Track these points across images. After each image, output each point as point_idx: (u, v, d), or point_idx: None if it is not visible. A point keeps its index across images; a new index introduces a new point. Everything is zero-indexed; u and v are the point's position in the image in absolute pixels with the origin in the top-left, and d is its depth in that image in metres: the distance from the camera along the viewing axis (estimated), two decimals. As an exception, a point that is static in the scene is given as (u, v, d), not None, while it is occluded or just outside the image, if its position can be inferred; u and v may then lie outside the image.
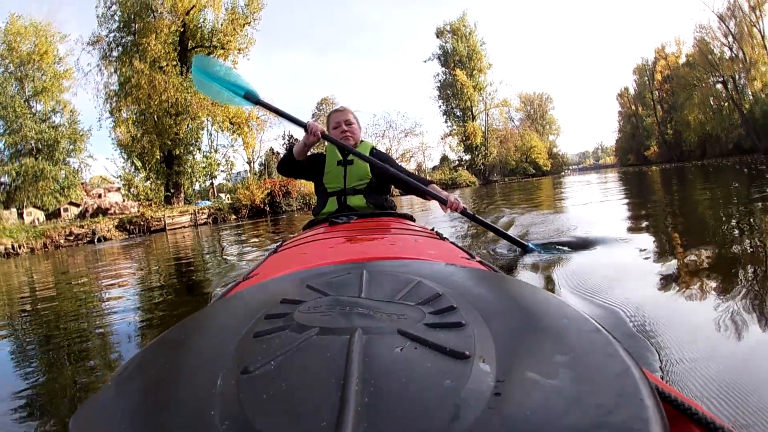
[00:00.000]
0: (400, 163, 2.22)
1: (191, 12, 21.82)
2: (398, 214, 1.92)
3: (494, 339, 0.37)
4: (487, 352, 0.35)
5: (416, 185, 2.06)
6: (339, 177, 2.05)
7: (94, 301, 3.53)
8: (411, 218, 1.93)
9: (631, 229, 3.73)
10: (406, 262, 0.69)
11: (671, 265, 2.23)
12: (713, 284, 1.90)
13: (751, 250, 2.49)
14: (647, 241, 3.13)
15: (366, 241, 1.18)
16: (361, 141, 2.17)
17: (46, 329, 2.72)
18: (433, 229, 1.64)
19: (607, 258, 2.62)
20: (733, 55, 39.01)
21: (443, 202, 2.02)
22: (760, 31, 37.32)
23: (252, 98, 2.29)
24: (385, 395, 0.30)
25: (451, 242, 1.37)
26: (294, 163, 2.13)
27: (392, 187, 2.20)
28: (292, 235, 1.97)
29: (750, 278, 1.95)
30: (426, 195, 2.08)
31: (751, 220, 3.60)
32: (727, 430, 0.31)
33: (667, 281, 1.99)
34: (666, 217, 4.39)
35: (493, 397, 0.30)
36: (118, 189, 27.79)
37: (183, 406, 0.32)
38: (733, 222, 3.64)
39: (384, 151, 2.20)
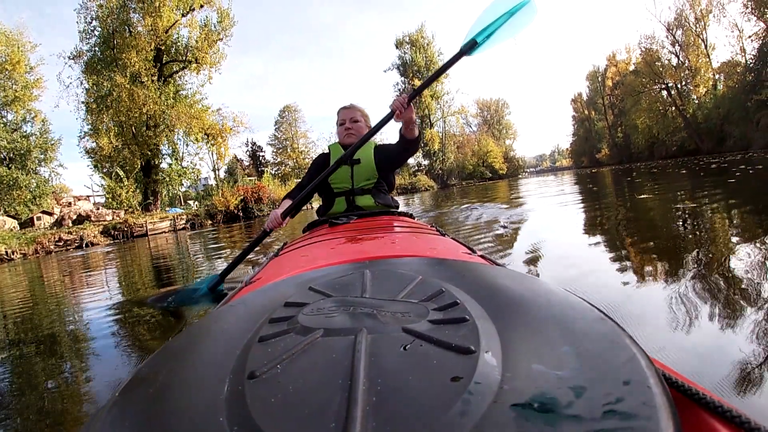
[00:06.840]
0: None
1: (170, 30, 22.68)
2: (398, 212, 1.93)
3: (499, 332, 0.37)
4: (492, 346, 0.35)
5: (402, 136, 1.89)
6: (347, 177, 2.02)
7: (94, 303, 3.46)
8: (411, 216, 1.95)
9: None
10: (407, 260, 0.69)
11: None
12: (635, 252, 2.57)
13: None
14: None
15: (367, 241, 1.18)
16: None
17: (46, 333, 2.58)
18: (433, 226, 1.67)
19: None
20: (680, 62, 41.24)
21: (402, 114, 1.77)
22: (704, 41, 39.61)
23: (217, 285, 2.35)
24: (392, 394, 0.30)
25: (452, 238, 1.36)
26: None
27: (395, 186, 2.19)
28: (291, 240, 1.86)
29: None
30: (407, 129, 1.84)
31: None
32: (736, 413, 0.31)
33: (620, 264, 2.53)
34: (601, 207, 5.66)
35: (499, 391, 0.29)
36: (88, 197, 28.01)
37: (191, 414, 0.32)
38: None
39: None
